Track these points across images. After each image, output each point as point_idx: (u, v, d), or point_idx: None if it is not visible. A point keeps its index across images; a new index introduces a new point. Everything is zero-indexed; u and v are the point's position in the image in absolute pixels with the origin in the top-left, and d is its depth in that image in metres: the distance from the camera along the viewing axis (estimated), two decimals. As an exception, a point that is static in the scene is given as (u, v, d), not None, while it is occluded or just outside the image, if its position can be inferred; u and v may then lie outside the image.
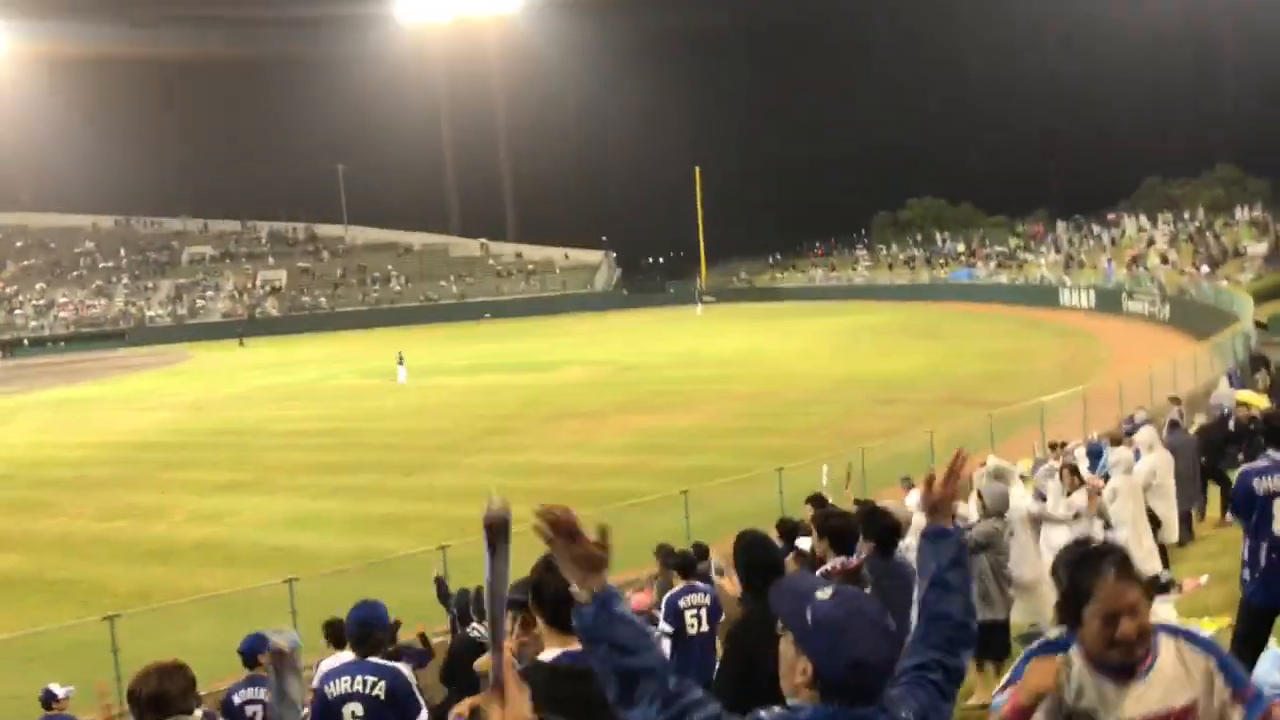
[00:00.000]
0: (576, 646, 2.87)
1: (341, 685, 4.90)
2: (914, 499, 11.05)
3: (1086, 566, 2.66)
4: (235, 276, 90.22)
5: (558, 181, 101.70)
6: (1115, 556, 2.68)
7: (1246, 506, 5.67)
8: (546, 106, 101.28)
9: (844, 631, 2.22)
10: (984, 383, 30.56)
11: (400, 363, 41.41)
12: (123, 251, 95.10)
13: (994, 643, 7.49)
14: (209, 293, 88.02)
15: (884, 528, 5.48)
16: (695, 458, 21.94)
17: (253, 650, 7.50)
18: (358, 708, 4.83)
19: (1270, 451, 5.73)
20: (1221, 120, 75.37)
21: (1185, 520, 11.59)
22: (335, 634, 8.12)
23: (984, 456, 15.30)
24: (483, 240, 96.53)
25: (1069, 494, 9.46)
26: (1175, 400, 17.19)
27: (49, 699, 7.89)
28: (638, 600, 10.42)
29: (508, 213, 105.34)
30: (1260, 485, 5.60)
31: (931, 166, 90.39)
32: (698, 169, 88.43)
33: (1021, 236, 72.92)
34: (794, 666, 2.28)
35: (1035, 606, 8.42)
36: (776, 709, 2.30)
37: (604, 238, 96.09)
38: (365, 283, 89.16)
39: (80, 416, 37.85)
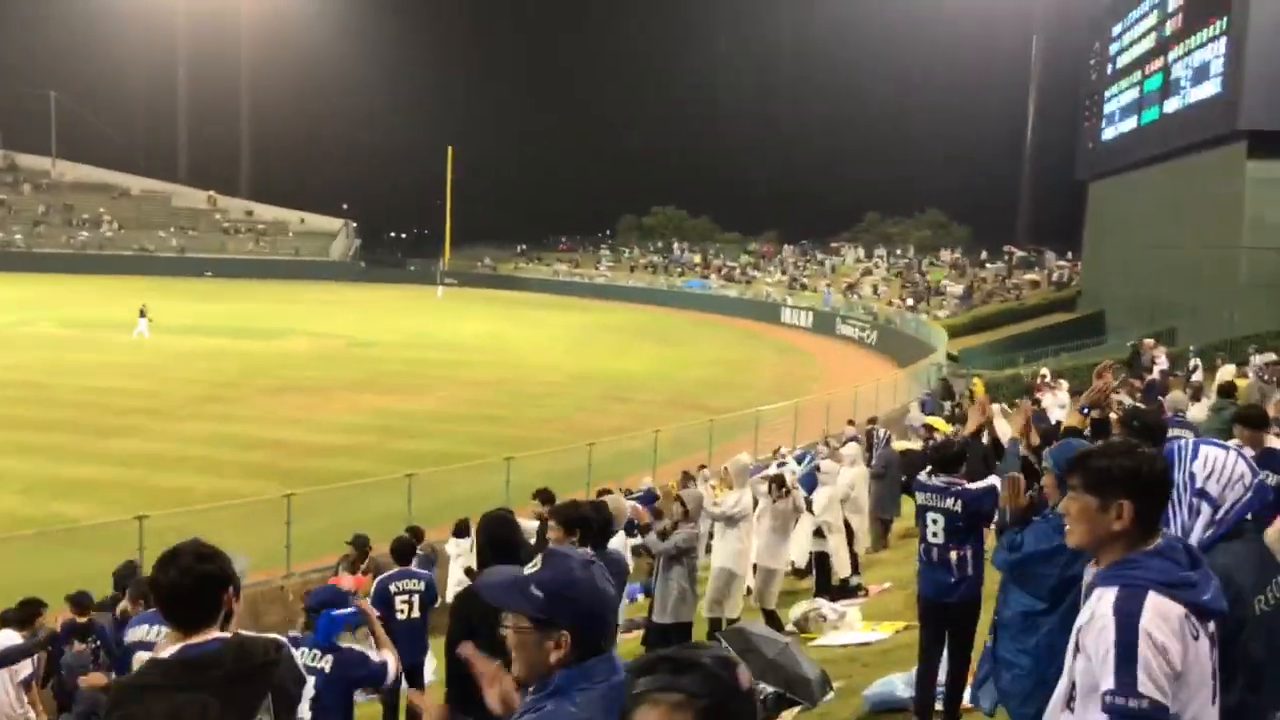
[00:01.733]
0: (199, 639, 2.85)
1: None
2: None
3: None
4: (-88, 199, 79.81)
5: (301, 141, 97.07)
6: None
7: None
8: (298, 61, 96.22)
9: (580, 585, 2.32)
10: (707, 389, 32.03)
11: (143, 315, 38.03)
12: None
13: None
14: (-123, 214, 77.35)
15: (603, 521, 5.69)
16: (424, 442, 21.65)
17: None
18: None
19: (937, 475, 6.46)
20: (935, 168, 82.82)
21: (885, 528, 12.70)
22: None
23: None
24: (211, 193, 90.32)
25: (774, 502, 10.13)
26: (873, 421, 18.77)
27: None
28: (349, 581, 10.17)
29: (242, 167, 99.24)
30: (919, 498, 6.39)
31: (679, 177, 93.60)
32: (451, 148, 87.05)
33: (753, 254, 76.99)
34: (543, 647, 2.32)
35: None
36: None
37: (345, 205, 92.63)
38: (71, 224, 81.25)
39: None
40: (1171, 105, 35.63)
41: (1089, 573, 2.77)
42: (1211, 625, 2.54)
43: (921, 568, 6.31)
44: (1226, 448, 3.23)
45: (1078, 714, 2.56)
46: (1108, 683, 2.42)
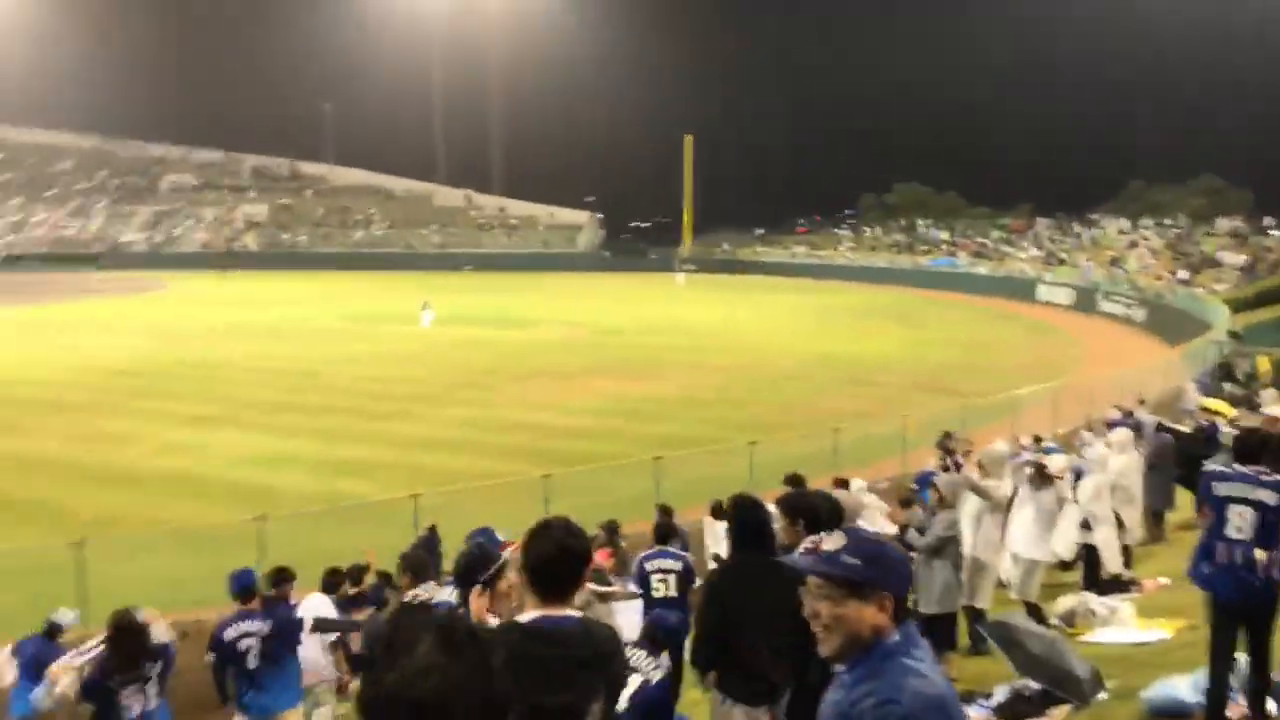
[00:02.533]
0: (556, 612, 2.93)
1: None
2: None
3: None
4: (215, 208, 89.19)
5: (548, 138, 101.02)
6: None
7: (1209, 503, 5.91)
8: (543, 61, 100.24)
9: (892, 555, 2.49)
10: (955, 371, 30.81)
11: (426, 308, 41.56)
12: (102, 173, 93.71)
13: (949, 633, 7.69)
14: (188, 222, 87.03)
15: (832, 511, 5.47)
16: (667, 425, 22.04)
17: (247, 586, 7.62)
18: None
19: (1235, 464, 5.94)
20: (1208, 130, 75.87)
21: (1158, 519, 11.81)
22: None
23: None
24: (467, 191, 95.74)
25: (1035, 490, 9.61)
26: (1141, 404, 17.44)
27: (53, 630, 7.96)
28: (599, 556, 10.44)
29: (494, 165, 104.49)
30: (1219, 489, 5.82)
31: (920, 152, 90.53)
32: (689, 137, 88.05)
33: (1004, 229, 73.25)
34: (861, 613, 2.42)
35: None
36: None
37: (590, 198, 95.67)
38: (346, 224, 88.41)
39: (51, 338, 37.50)
40: None
41: None
42: None
43: (1215, 566, 5.79)
44: None
45: None
46: None
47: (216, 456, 19.90)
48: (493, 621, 3.48)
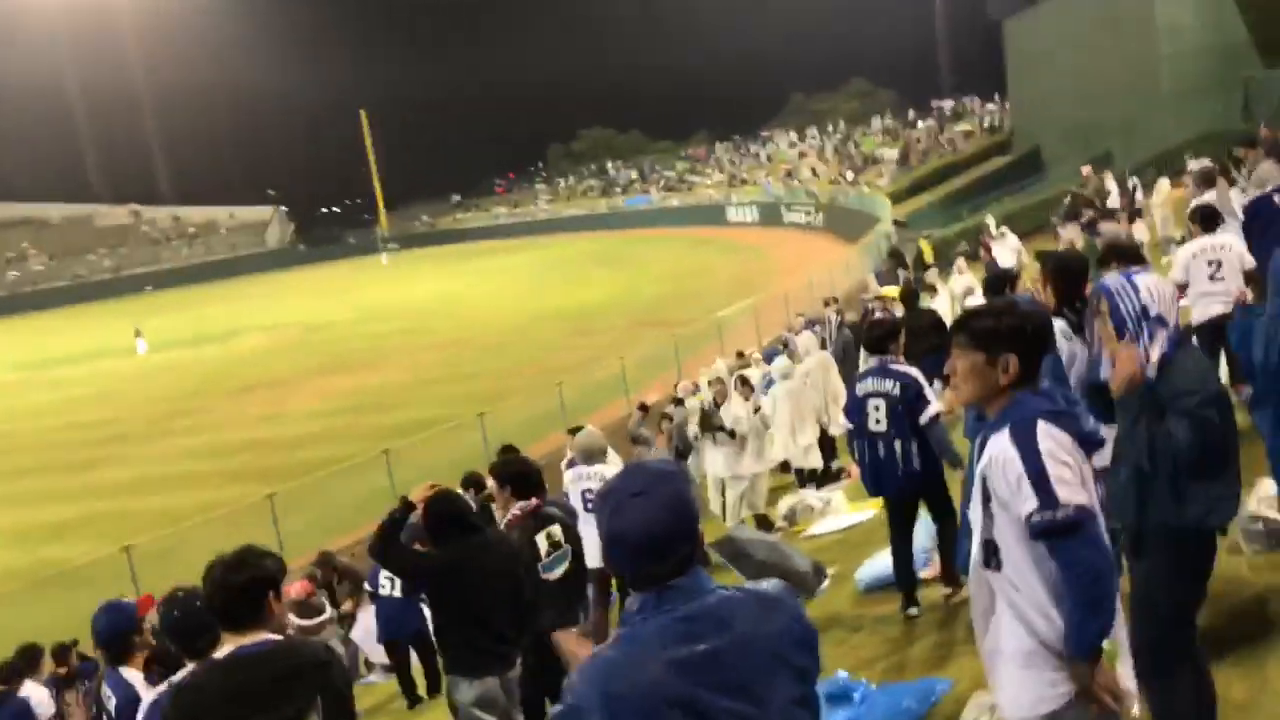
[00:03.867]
0: (250, 639, 2.98)
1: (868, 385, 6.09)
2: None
3: None
4: None
5: (213, 135, 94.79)
6: None
7: (854, 410, 6.31)
8: (192, 54, 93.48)
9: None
10: (667, 304, 32.01)
11: (138, 335, 38.93)
12: None
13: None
14: None
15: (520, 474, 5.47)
16: (398, 414, 21.57)
17: None
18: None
19: (870, 359, 6.42)
20: (852, 37, 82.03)
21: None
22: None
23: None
24: (132, 205, 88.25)
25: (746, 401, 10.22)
26: (832, 301, 18.84)
27: None
28: (297, 588, 10.05)
29: (159, 173, 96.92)
30: (858, 389, 6.25)
31: (598, 97, 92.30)
32: (364, 112, 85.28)
33: (687, 160, 76.31)
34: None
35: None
36: None
37: (271, 192, 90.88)
38: (-2, 265, 79.41)
39: None
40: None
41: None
42: (1093, 459, 2.68)
43: (862, 465, 6.21)
44: (1152, 273, 3.44)
45: (1007, 569, 2.60)
46: (1029, 506, 2.50)
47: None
48: None
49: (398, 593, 8.23)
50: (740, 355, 17.40)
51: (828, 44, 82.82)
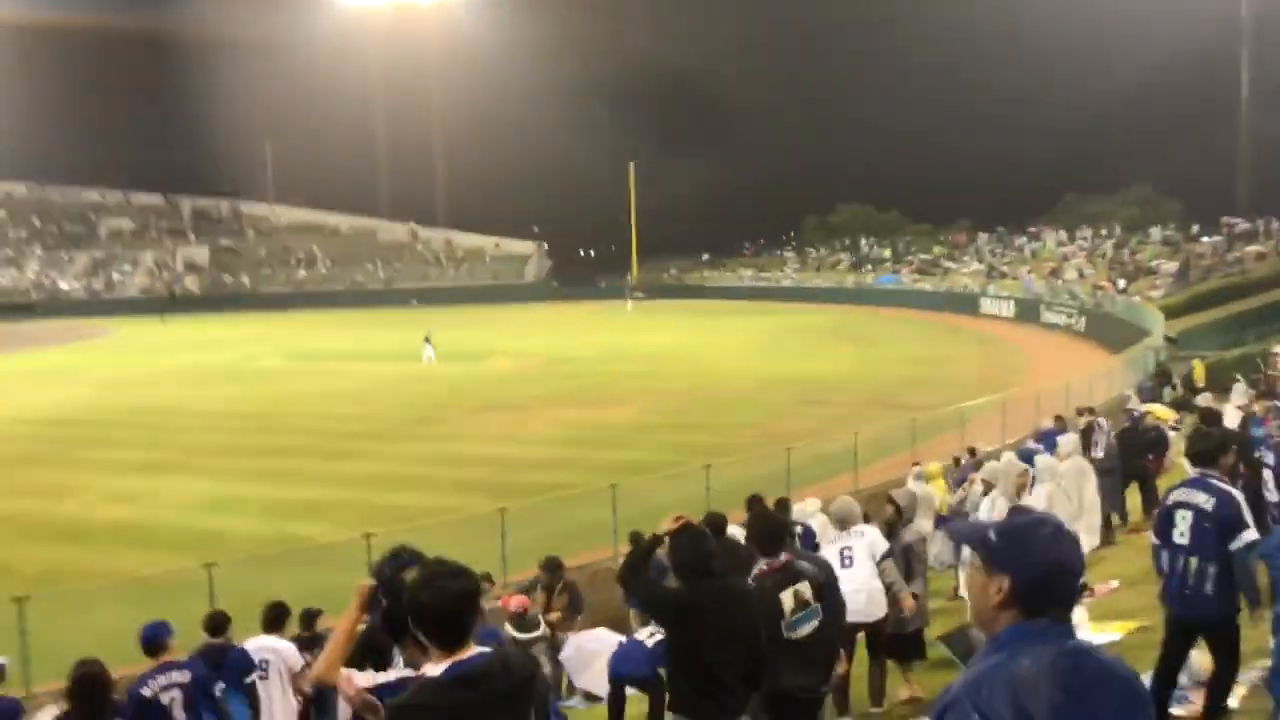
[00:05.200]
0: (463, 655, 2.92)
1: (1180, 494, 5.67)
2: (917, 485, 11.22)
3: None
4: (155, 252, 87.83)
5: (491, 170, 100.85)
6: None
7: (1162, 521, 5.91)
8: (484, 94, 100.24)
9: (1033, 539, 2.29)
10: (906, 386, 31.18)
11: (428, 341, 40.90)
12: (36, 220, 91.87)
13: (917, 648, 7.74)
14: (127, 267, 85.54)
15: (769, 531, 5.49)
16: (623, 452, 22.00)
17: (156, 638, 7.23)
18: None
19: (1192, 470, 5.98)
20: (1137, 142, 77.83)
21: (1106, 524, 12.01)
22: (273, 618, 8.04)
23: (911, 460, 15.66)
24: (412, 225, 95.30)
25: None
26: (1087, 411, 17.77)
27: None
28: (516, 601, 10.33)
29: (438, 198, 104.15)
30: (1170, 496, 5.86)
31: (861, 173, 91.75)
32: (632, 164, 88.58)
33: (945, 245, 74.45)
34: (986, 590, 2.30)
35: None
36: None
37: (536, 228, 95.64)
38: (289, 264, 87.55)
39: (-12, 390, 36.57)
40: None
41: None
42: None
43: (1162, 575, 5.80)
44: None
45: None
46: None
47: (165, 504, 19.50)
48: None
49: (650, 643, 8.20)
50: (973, 452, 16.68)
51: (1112, 144, 78.89)
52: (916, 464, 14.85)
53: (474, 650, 2.92)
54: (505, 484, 18.79)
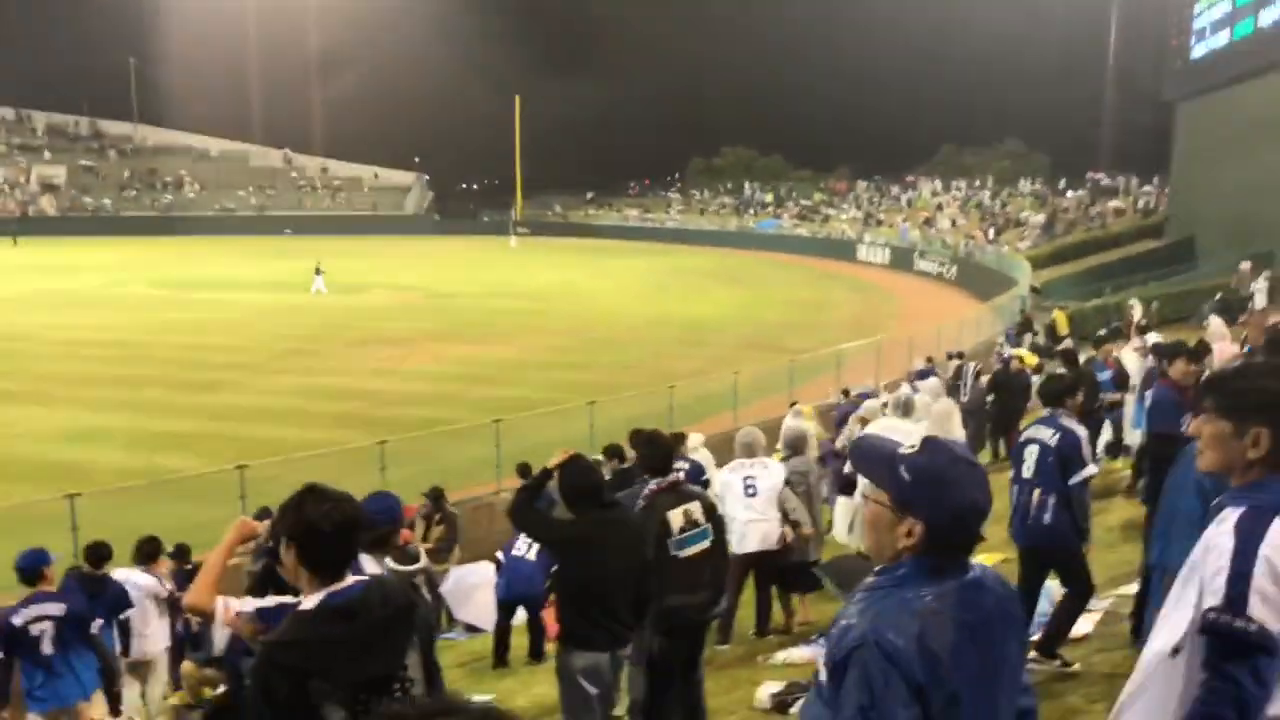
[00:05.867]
0: (339, 585, 2.79)
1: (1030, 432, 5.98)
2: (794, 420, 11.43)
3: None
4: (6, 170, 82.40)
5: (371, 97, 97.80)
6: None
7: (1014, 455, 6.30)
8: (365, 16, 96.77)
9: (950, 483, 2.14)
10: (784, 329, 31.78)
11: (318, 272, 40.03)
12: None
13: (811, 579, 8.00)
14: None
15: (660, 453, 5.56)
16: (507, 389, 21.89)
17: (33, 566, 7.04)
18: None
19: (1044, 409, 6.36)
20: (1012, 96, 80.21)
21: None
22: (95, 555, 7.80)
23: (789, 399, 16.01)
24: (286, 151, 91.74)
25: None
26: (957, 355, 18.47)
27: None
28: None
29: (314, 125, 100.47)
30: (1023, 435, 6.23)
31: (747, 116, 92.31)
32: (518, 97, 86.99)
33: (825, 191, 75.72)
34: (893, 529, 2.17)
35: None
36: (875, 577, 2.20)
37: (417, 159, 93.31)
38: (155, 187, 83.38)
39: None
40: (1268, 17, 33.88)
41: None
42: None
43: (1013, 506, 6.10)
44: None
45: (1188, 663, 2.31)
46: (1214, 599, 2.22)
47: (20, 434, 18.57)
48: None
49: (532, 555, 8.32)
50: (846, 394, 17.16)
51: (988, 99, 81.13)
52: (794, 403, 15.20)
53: (350, 580, 2.80)
54: (384, 419, 18.50)
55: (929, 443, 2.22)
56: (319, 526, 2.75)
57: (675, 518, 4.97)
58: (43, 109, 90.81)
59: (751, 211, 75.68)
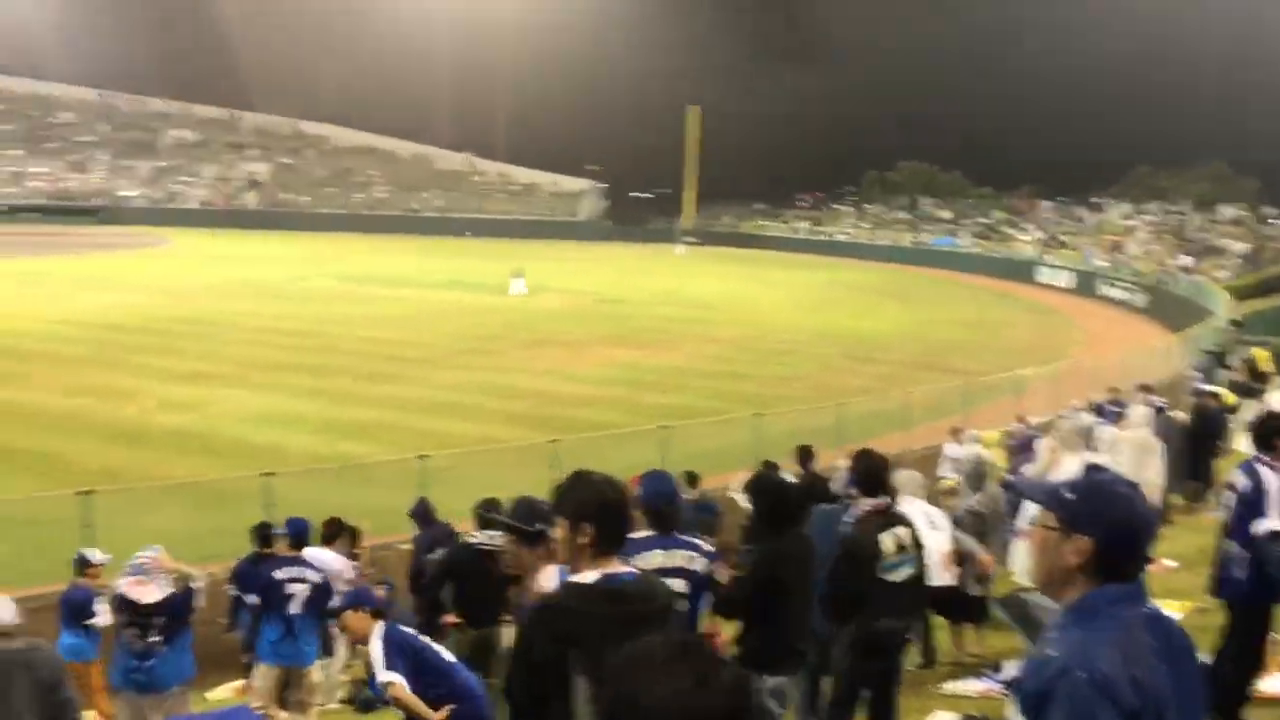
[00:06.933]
0: (614, 569, 2.88)
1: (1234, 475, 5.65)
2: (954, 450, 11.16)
3: None
4: (216, 166, 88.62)
5: (551, 105, 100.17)
6: None
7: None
8: (550, 27, 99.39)
9: (1115, 497, 2.20)
10: (957, 350, 30.86)
11: (517, 275, 41.44)
12: (103, 127, 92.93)
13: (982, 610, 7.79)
14: (188, 179, 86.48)
15: (872, 471, 5.45)
16: (671, 396, 22.08)
17: (302, 532, 7.77)
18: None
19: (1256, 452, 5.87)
20: (1214, 115, 75.45)
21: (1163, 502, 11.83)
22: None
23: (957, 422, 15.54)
24: (469, 155, 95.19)
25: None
26: (1145, 388, 17.48)
27: (83, 564, 7.88)
28: None
29: (497, 131, 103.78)
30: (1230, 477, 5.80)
31: (926, 131, 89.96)
32: (695, 108, 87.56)
33: (1007, 211, 73.10)
34: (1060, 551, 2.21)
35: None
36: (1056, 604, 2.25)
37: (592, 167, 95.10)
38: (347, 186, 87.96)
39: (52, 291, 37.36)
40: None
41: None
42: None
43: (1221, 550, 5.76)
44: None
45: None
46: None
47: (221, 414, 19.90)
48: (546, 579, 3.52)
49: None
50: (1021, 421, 16.50)
51: (1191, 118, 76.44)
52: (957, 429, 14.66)
53: (625, 568, 2.91)
54: (553, 418, 18.94)
55: (1091, 468, 2.33)
56: (593, 508, 2.88)
57: (887, 541, 4.92)
58: (251, 109, 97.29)
59: (926, 227, 73.84)
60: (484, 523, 6.94)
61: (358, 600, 5.21)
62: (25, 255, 50.42)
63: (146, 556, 7.27)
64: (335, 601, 6.95)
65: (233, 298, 36.94)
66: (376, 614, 5.03)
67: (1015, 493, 8.30)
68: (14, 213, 75.11)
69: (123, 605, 7.16)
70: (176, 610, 7.17)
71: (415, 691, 4.59)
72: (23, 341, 26.78)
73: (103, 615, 7.41)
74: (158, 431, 18.49)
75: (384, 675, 4.61)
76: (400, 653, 4.70)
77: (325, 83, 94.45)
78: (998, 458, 12.26)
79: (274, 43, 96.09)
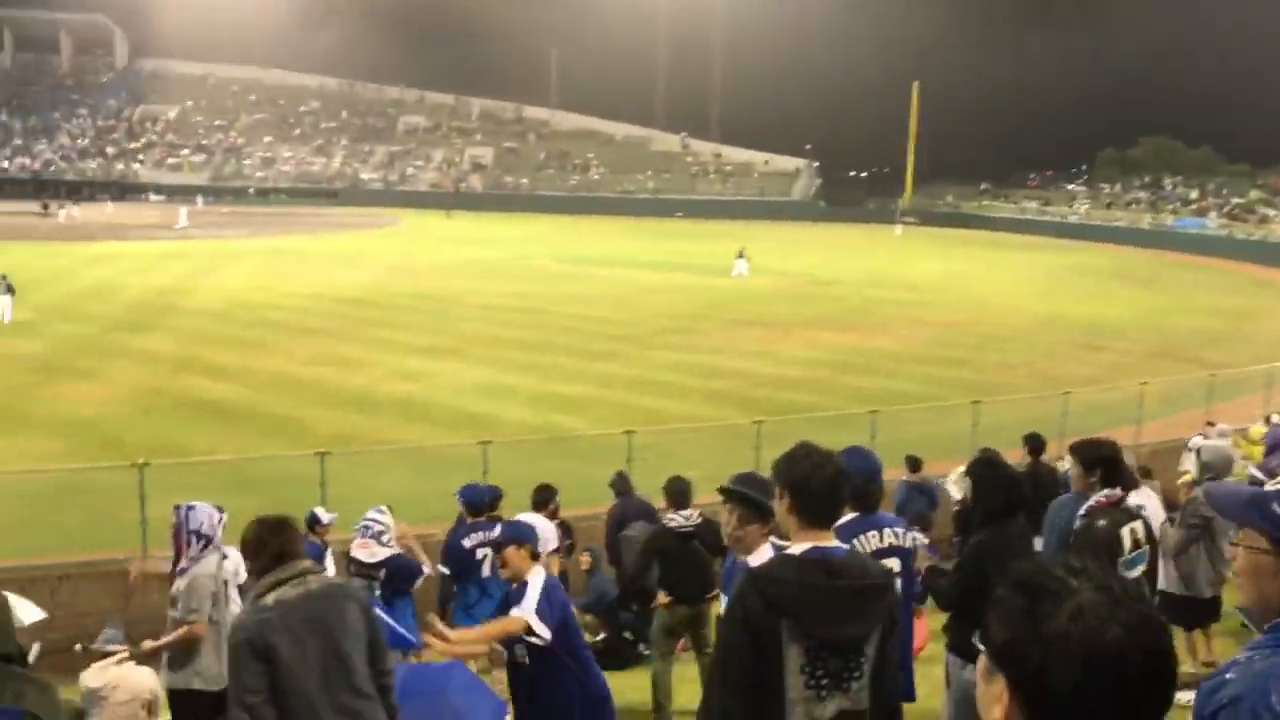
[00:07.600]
0: (825, 542, 2.88)
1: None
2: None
3: None
4: (444, 150, 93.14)
5: (766, 84, 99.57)
6: None
7: None
8: (764, 8, 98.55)
9: None
10: (1202, 340, 28.55)
11: (741, 256, 41.78)
12: (344, 114, 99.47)
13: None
14: (419, 163, 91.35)
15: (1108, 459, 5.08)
16: (879, 380, 21.48)
17: (482, 499, 8.02)
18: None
19: None
20: None
21: None
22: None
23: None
24: (684, 136, 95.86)
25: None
26: None
27: (313, 521, 8.46)
28: None
29: (711, 111, 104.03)
30: None
31: (1170, 104, 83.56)
32: (917, 84, 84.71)
33: (1264, 189, 66.90)
34: (1275, 576, 1.96)
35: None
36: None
37: (807, 146, 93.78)
38: (566, 168, 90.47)
39: (296, 267, 40.34)
40: None
41: None
42: None
43: None
44: None
45: None
46: None
47: (443, 385, 20.90)
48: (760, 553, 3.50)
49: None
50: (1268, 421, 14.95)
51: None
52: (1210, 422, 13.51)
53: (835, 542, 2.95)
54: (756, 399, 18.81)
55: None
56: (810, 481, 2.96)
57: (1126, 535, 4.60)
58: (477, 95, 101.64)
59: (1170, 208, 68.62)
60: (722, 492, 6.94)
61: (518, 535, 5.15)
62: (274, 233, 54.72)
63: (374, 518, 7.67)
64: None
65: (458, 276, 38.72)
66: (535, 556, 5.03)
67: (1212, 505, 7.58)
68: (264, 194, 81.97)
69: (348, 564, 7.60)
70: (396, 571, 7.50)
71: (553, 648, 4.59)
72: (270, 313, 29.04)
73: (330, 571, 7.89)
74: (385, 400, 19.61)
75: (532, 618, 4.57)
76: (551, 605, 4.70)
77: (546, 68, 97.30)
78: (1254, 455, 11.19)
79: (497, 29, 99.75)
